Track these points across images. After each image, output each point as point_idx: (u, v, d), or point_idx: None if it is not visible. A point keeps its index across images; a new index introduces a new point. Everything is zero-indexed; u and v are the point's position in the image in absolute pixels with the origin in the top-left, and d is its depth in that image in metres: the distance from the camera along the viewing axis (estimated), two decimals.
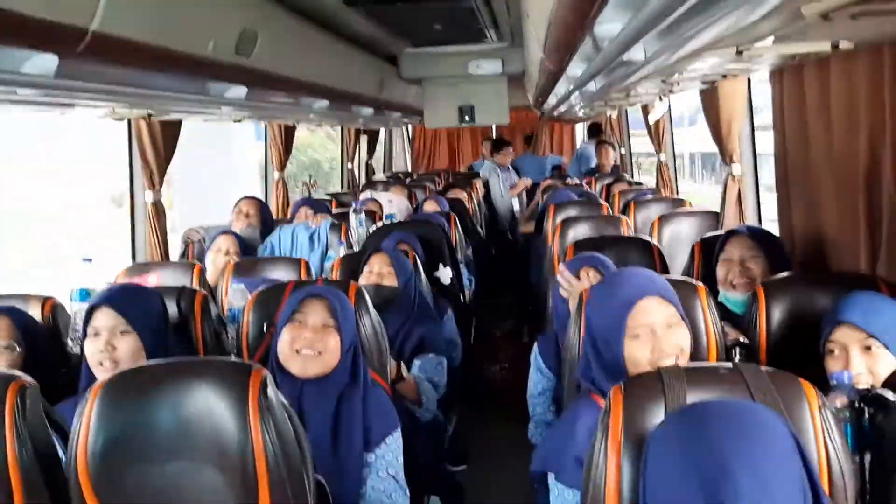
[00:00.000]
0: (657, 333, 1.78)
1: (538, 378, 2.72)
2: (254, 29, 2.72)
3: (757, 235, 2.61)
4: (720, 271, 2.58)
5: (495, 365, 5.33)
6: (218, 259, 3.49)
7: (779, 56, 1.90)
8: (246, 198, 4.21)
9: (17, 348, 2.25)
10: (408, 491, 2.14)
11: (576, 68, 2.82)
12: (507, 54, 5.89)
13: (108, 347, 2.11)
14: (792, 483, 1.14)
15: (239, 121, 3.99)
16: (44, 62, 1.84)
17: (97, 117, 2.95)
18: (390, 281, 3.01)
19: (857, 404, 1.43)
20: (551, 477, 1.83)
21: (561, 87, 3.89)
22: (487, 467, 4.03)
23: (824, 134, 2.37)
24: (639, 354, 1.78)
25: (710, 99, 3.66)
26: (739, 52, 1.60)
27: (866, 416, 1.43)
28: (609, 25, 1.73)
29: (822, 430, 1.31)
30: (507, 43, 5.64)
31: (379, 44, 4.96)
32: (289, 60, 3.30)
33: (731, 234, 2.64)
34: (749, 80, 3.61)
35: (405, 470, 2.17)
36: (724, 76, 2.38)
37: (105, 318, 2.15)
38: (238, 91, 2.91)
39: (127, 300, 2.19)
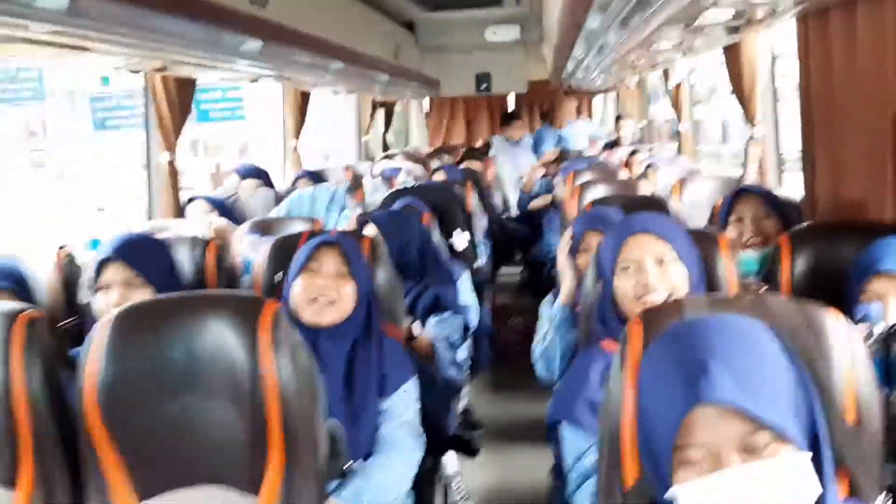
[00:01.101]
0: (645, 268, 1.80)
1: (544, 322, 2.65)
2: None
3: (769, 194, 2.57)
4: (732, 231, 2.54)
5: (510, 334, 5.31)
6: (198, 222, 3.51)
7: None
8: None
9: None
10: (424, 437, 2.11)
11: (595, 20, 2.77)
12: (525, 20, 5.82)
13: (122, 300, 2.08)
14: (778, 383, 1.09)
15: (255, 80, 3.95)
16: None
17: (112, 67, 2.93)
18: None
19: (885, 338, 1.39)
20: (564, 424, 1.80)
21: (579, 48, 3.83)
22: (502, 434, 4.02)
23: (851, 81, 2.31)
24: (626, 287, 1.82)
25: (733, 57, 3.59)
26: None
27: (894, 351, 1.39)
28: None
29: (850, 361, 1.26)
30: (525, 8, 5.57)
31: (396, 8, 4.91)
32: (305, 16, 3.26)
33: (741, 192, 2.60)
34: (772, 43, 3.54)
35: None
36: (749, 21, 2.31)
37: (117, 272, 2.13)
38: (254, 44, 2.87)
39: (138, 252, 2.17)
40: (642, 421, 1.17)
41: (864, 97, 2.26)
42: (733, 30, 2.51)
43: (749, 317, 1.22)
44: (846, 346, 1.27)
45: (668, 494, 1.09)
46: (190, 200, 3.86)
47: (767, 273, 2.21)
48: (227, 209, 3.85)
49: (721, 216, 2.62)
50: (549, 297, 2.67)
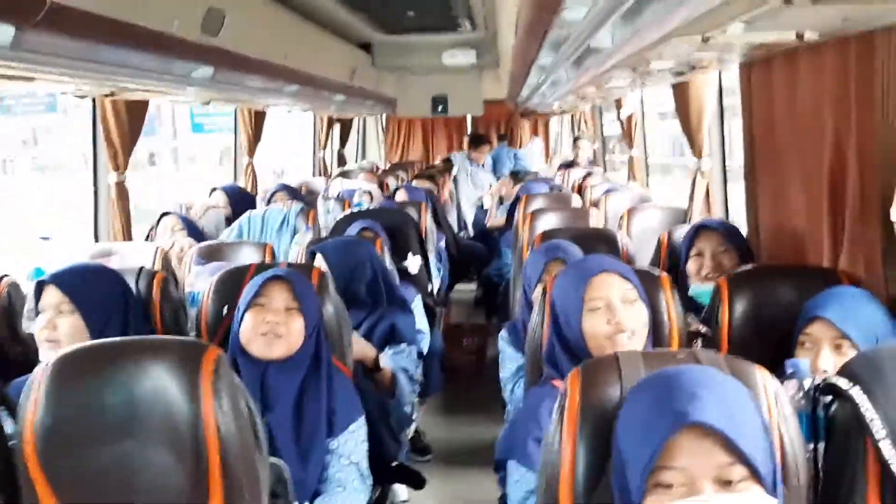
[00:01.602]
0: (614, 307, 1.82)
1: (510, 359, 2.69)
2: (221, 8, 2.67)
3: (727, 229, 2.63)
4: (692, 265, 2.59)
5: (462, 355, 5.32)
6: (170, 237, 3.49)
7: (746, 46, 1.90)
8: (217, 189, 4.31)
9: None
10: (370, 479, 2.12)
11: (546, 57, 2.81)
12: (482, 44, 5.88)
13: (49, 325, 2.07)
14: (755, 423, 1.15)
15: (207, 103, 3.93)
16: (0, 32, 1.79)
17: (59, 94, 2.89)
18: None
19: (811, 393, 1.43)
20: (512, 463, 1.83)
21: (533, 77, 3.88)
22: (452, 458, 4.03)
23: (791, 128, 2.38)
24: (597, 327, 1.82)
25: (681, 94, 3.67)
26: (705, 40, 1.59)
27: (821, 405, 1.43)
28: (575, 10, 1.72)
29: (777, 417, 1.30)
30: (481, 33, 5.63)
31: (352, 30, 4.93)
32: (257, 42, 3.25)
33: (701, 228, 2.65)
34: (720, 78, 3.63)
35: (370, 459, 2.15)
36: (694, 67, 2.37)
37: (49, 296, 2.11)
38: (205, 71, 2.86)
39: (73, 279, 2.14)
40: (616, 457, 1.20)
41: (803, 143, 2.33)
42: (679, 73, 2.58)
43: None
44: (773, 403, 1.31)
45: None
46: (163, 215, 3.85)
47: (709, 313, 2.26)
48: (195, 226, 3.86)
49: (683, 251, 2.68)
50: (504, 332, 2.71)
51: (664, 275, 2.20)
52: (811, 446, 1.41)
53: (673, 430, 1.11)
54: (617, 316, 1.81)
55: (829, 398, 1.43)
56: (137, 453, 1.52)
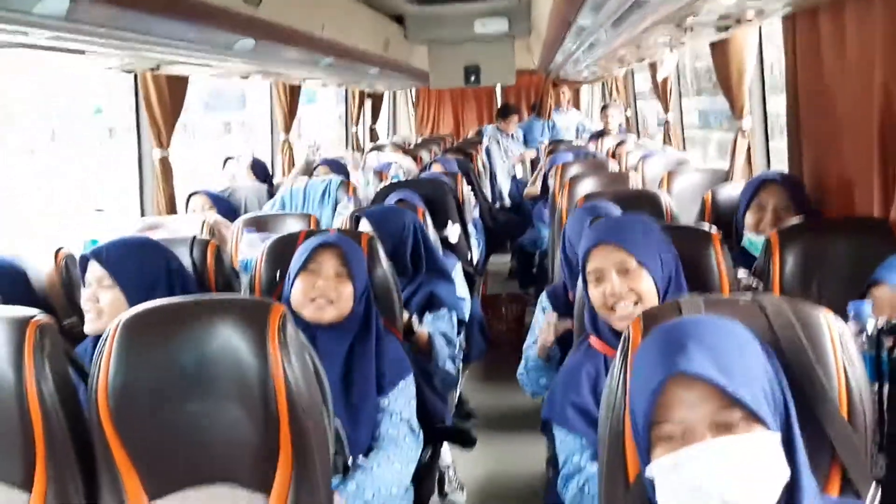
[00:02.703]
0: (608, 278, 1.85)
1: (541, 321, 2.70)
2: None
3: (790, 186, 2.61)
4: (751, 217, 2.58)
5: (501, 324, 5.35)
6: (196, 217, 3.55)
7: None
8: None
9: None
10: (421, 434, 2.15)
11: (586, 18, 2.80)
12: (514, 12, 5.84)
13: (91, 298, 2.12)
14: (751, 365, 1.15)
15: (246, 77, 3.97)
16: (55, 4, 1.83)
17: (106, 68, 2.94)
18: None
19: (875, 335, 1.43)
20: (555, 425, 1.87)
21: (569, 43, 3.85)
22: (495, 424, 4.07)
23: (838, 79, 2.36)
24: (596, 297, 1.87)
25: (720, 52, 3.62)
26: None
27: (885, 347, 1.44)
28: None
29: (841, 358, 1.31)
30: (513, 0, 5.59)
31: (386, 2, 4.92)
32: (296, 13, 3.27)
33: (765, 181, 2.64)
34: (760, 33, 3.58)
35: (418, 422, 2.18)
36: (738, 20, 2.35)
37: (91, 271, 2.16)
38: (246, 43, 2.89)
39: (111, 253, 2.17)
40: (631, 406, 1.22)
41: (851, 94, 2.30)
42: (723, 28, 2.55)
43: (743, 317, 1.28)
44: (838, 343, 1.32)
45: (647, 472, 1.15)
46: (192, 195, 3.90)
47: (759, 268, 2.26)
48: (225, 202, 3.90)
49: (744, 201, 2.65)
50: (543, 296, 2.71)
51: (715, 232, 2.20)
52: (875, 388, 1.42)
53: (661, 382, 1.12)
54: (613, 287, 1.84)
55: (893, 340, 1.44)
56: (209, 409, 1.57)
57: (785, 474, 1.12)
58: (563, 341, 2.52)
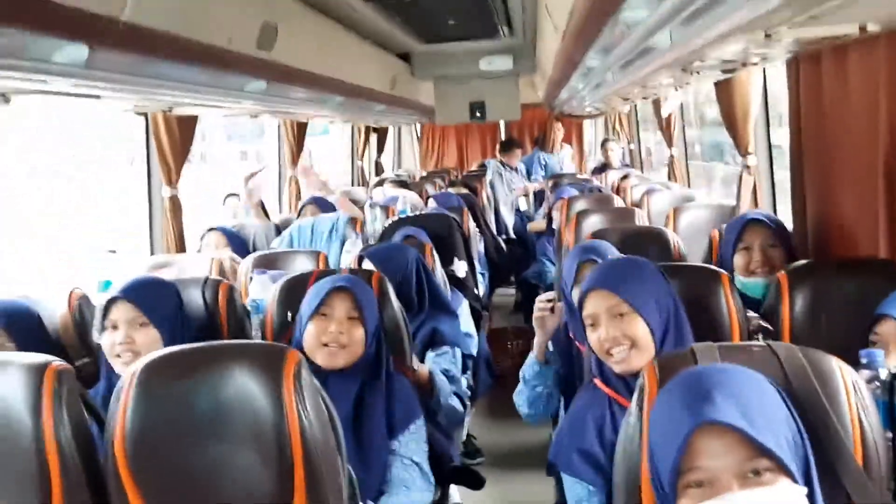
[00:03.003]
0: (601, 323, 1.86)
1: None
2: (274, 22, 2.74)
3: (776, 223, 2.64)
4: (739, 259, 2.59)
5: (507, 359, 5.34)
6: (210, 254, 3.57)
7: (806, 41, 1.91)
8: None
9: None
10: (433, 478, 2.15)
11: (594, 59, 2.84)
12: (519, 50, 5.91)
13: (127, 340, 2.13)
14: (776, 416, 1.17)
15: (256, 116, 4.02)
16: (75, 52, 1.87)
17: (121, 111, 2.98)
18: None
19: (889, 381, 1.44)
20: (562, 473, 1.87)
21: (575, 81, 3.90)
22: (503, 462, 4.05)
23: (842, 121, 2.38)
24: (592, 342, 1.88)
25: (724, 90, 3.67)
26: (768, 36, 1.61)
27: None
28: (635, 12, 1.74)
29: (856, 405, 1.32)
30: (519, 39, 5.66)
31: (393, 40, 4.99)
32: (307, 55, 3.32)
33: (750, 221, 2.66)
34: (764, 71, 3.62)
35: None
36: (744, 64, 2.38)
37: (123, 311, 2.17)
38: (258, 85, 2.93)
39: (144, 293, 2.21)
40: (651, 456, 1.23)
41: (855, 136, 2.33)
42: (727, 70, 2.59)
43: (757, 365, 1.29)
44: (852, 390, 1.33)
45: None
46: (208, 231, 3.92)
47: (768, 309, 2.27)
48: (239, 239, 3.93)
49: (729, 244, 2.66)
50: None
51: (723, 272, 2.22)
52: (889, 434, 1.43)
53: (689, 432, 1.13)
54: (605, 332, 1.84)
55: None
56: (224, 455, 1.58)
57: None
58: (565, 356, 2.53)
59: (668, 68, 2.41)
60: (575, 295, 2.53)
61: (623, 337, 1.83)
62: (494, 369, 4.19)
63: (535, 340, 2.52)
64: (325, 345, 2.12)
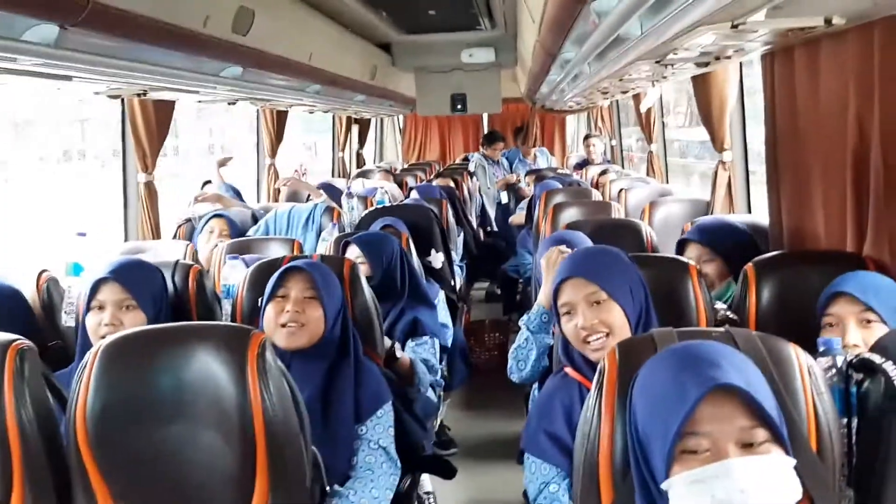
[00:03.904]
0: (578, 311, 1.86)
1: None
2: (251, 7, 2.73)
3: (710, 238, 2.74)
4: None
5: (484, 351, 5.35)
6: (210, 241, 3.53)
7: (771, 33, 1.93)
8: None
9: None
10: (399, 463, 2.16)
11: (570, 50, 2.85)
12: (501, 43, 5.91)
13: (113, 321, 2.13)
14: (769, 391, 1.19)
15: (233, 103, 4.00)
16: (45, 31, 1.85)
17: (93, 94, 2.96)
18: (364, 271, 2.99)
19: (844, 369, 1.46)
20: (527, 455, 1.87)
21: (554, 74, 3.91)
22: (476, 452, 4.06)
23: (814, 115, 2.40)
24: (567, 330, 1.88)
25: (701, 86, 3.69)
26: (734, 27, 1.62)
27: (854, 381, 1.46)
28: (604, 1, 1.75)
29: (811, 391, 1.33)
30: (500, 31, 5.67)
31: (373, 30, 4.98)
32: (284, 42, 3.31)
33: (684, 242, 2.79)
34: (741, 67, 3.65)
35: (398, 448, 2.18)
36: (718, 58, 2.40)
37: (111, 292, 2.17)
38: (234, 70, 2.92)
39: (133, 275, 2.21)
40: (633, 429, 1.24)
41: (825, 131, 2.35)
42: (703, 64, 2.61)
43: None
44: (808, 378, 1.34)
45: (665, 484, 1.17)
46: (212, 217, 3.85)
47: (735, 300, 2.30)
48: (237, 225, 3.88)
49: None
50: (525, 318, 2.72)
51: (692, 263, 2.24)
52: (844, 421, 1.45)
53: (700, 395, 1.14)
54: (582, 320, 1.85)
55: (862, 375, 1.47)
56: (186, 435, 1.58)
57: (797, 496, 1.15)
58: None
59: (643, 60, 2.43)
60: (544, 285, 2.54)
61: (600, 324, 1.84)
62: (470, 361, 4.21)
63: (542, 289, 2.51)
64: (283, 325, 2.12)
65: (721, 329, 1.46)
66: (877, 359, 1.38)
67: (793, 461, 1.15)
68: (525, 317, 2.55)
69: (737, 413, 1.15)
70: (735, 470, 1.12)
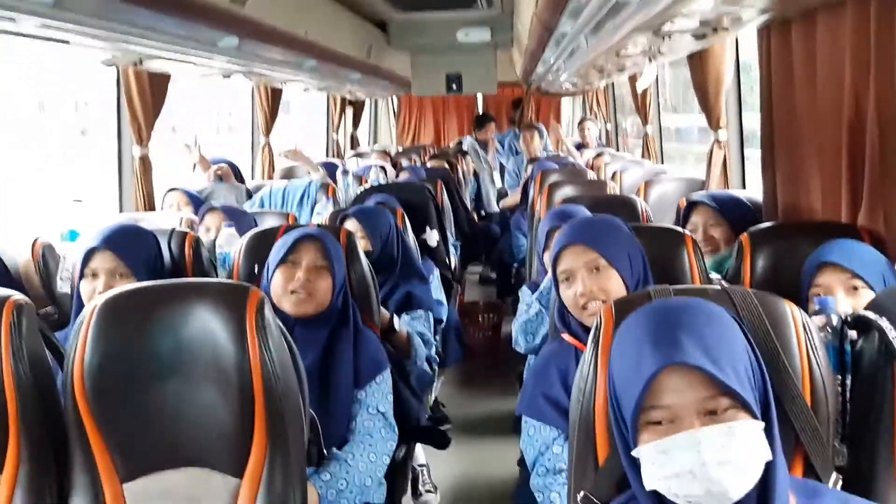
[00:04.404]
0: (577, 277, 1.88)
1: (527, 305, 2.71)
2: None
3: (719, 203, 2.76)
4: None
5: (478, 331, 5.38)
6: (172, 214, 3.55)
7: (767, 3, 1.93)
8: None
9: None
10: (396, 429, 2.17)
11: (567, 25, 2.85)
12: (497, 22, 5.90)
13: (106, 289, 2.13)
14: (737, 352, 1.18)
15: (228, 76, 3.98)
16: None
17: (90, 61, 2.94)
18: (362, 245, 3.00)
19: (839, 327, 1.48)
20: (525, 418, 1.89)
21: (550, 51, 3.91)
22: (469, 428, 4.09)
23: (809, 89, 2.41)
24: (567, 297, 1.91)
25: (697, 65, 3.69)
26: None
27: (849, 339, 1.48)
28: None
29: (805, 347, 1.34)
30: (496, 10, 5.66)
31: (370, 8, 4.97)
32: (281, 14, 3.30)
33: (694, 204, 2.80)
34: (737, 46, 3.65)
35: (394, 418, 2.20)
36: (715, 29, 2.40)
37: (104, 261, 2.18)
38: (230, 40, 2.91)
39: (125, 243, 2.21)
40: (611, 389, 1.25)
41: (821, 105, 2.36)
42: (700, 36, 2.61)
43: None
44: (803, 334, 1.36)
45: (634, 452, 1.18)
46: (169, 191, 3.89)
47: (731, 270, 2.31)
48: (201, 200, 3.89)
49: (682, 223, 2.76)
50: (525, 290, 2.74)
51: (687, 233, 2.26)
52: (839, 378, 1.46)
53: (655, 371, 1.15)
54: (582, 286, 1.87)
55: (856, 333, 1.48)
56: (184, 391, 1.58)
57: (766, 458, 1.15)
58: None
59: (640, 31, 2.43)
60: (547, 258, 2.55)
61: (599, 291, 1.86)
62: (465, 340, 4.23)
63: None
64: (293, 292, 2.13)
65: (717, 287, 1.47)
66: (872, 316, 1.39)
67: (760, 424, 1.15)
68: (536, 292, 2.58)
69: (697, 384, 1.14)
70: (697, 441, 1.12)
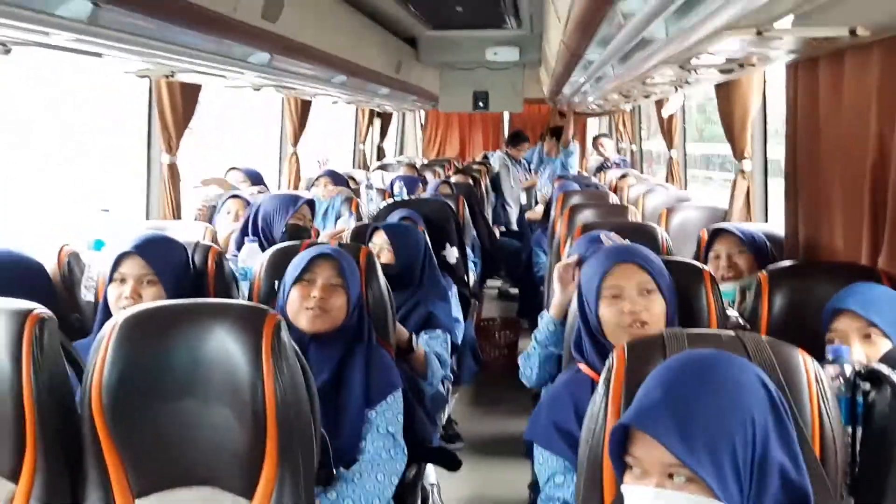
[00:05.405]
0: (628, 297, 1.88)
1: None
2: None
3: (744, 233, 2.77)
4: (710, 267, 2.65)
5: (494, 349, 5.37)
6: (227, 221, 3.57)
7: (796, 42, 1.93)
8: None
9: None
10: (406, 450, 2.18)
11: (594, 52, 2.86)
12: (525, 42, 5.93)
13: (133, 295, 2.18)
14: (725, 430, 1.16)
15: (258, 89, 4.03)
16: (79, 7, 1.89)
17: (123, 72, 3.00)
18: (387, 258, 3.03)
19: (852, 378, 1.47)
20: (536, 446, 1.89)
21: (577, 75, 3.92)
22: (482, 448, 4.09)
23: (835, 127, 2.41)
24: (611, 315, 1.88)
25: (724, 95, 3.69)
26: (759, 33, 1.63)
27: (861, 391, 1.47)
28: (631, 2, 1.77)
29: (817, 398, 1.34)
30: (525, 31, 5.69)
31: (400, 24, 5.01)
32: (312, 30, 3.34)
33: (719, 231, 2.81)
34: (765, 78, 3.64)
35: (405, 438, 2.20)
36: (742, 65, 2.41)
37: (133, 266, 2.22)
38: (262, 56, 2.95)
39: (155, 250, 2.26)
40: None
41: (846, 144, 2.35)
42: (727, 71, 2.61)
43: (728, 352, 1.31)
44: (815, 385, 1.36)
45: (622, 487, 1.23)
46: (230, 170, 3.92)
47: (748, 308, 2.31)
48: (259, 176, 3.94)
49: (704, 253, 2.77)
50: (545, 312, 2.74)
51: (706, 269, 2.25)
52: (849, 430, 1.46)
53: (625, 428, 1.20)
54: (631, 306, 1.87)
55: (869, 385, 1.47)
56: (198, 411, 1.60)
57: None
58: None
59: (667, 64, 2.44)
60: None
61: (645, 313, 1.87)
62: (480, 358, 4.23)
63: (554, 300, 2.52)
64: (308, 309, 2.15)
65: (731, 333, 1.47)
66: (885, 369, 1.39)
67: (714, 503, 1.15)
68: (538, 328, 2.58)
69: (662, 449, 1.16)
70: (648, 498, 1.17)
